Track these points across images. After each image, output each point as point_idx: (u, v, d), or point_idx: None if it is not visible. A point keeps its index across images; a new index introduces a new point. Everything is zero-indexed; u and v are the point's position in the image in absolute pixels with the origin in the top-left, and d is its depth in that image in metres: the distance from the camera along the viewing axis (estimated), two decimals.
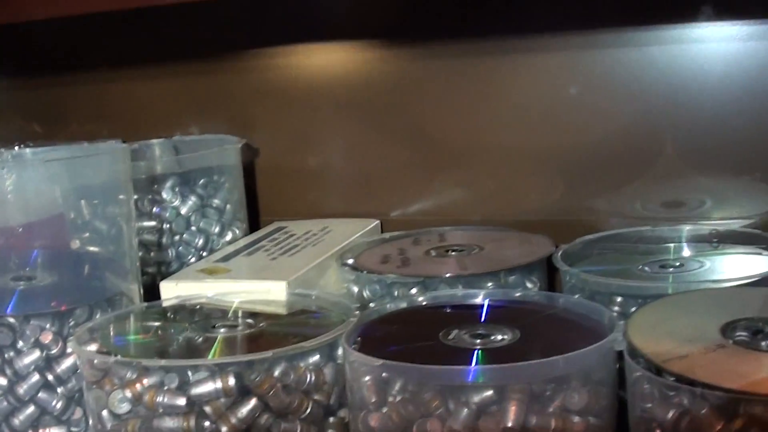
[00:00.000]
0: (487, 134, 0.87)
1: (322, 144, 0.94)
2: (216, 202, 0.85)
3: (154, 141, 0.92)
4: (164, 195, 0.82)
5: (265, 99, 0.95)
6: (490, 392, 0.53)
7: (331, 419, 0.60)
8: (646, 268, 0.72)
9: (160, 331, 0.66)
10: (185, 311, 0.69)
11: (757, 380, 0.49)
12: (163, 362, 0.58)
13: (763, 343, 0.53)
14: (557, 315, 0.63)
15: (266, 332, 0.63)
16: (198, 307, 0.69)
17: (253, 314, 0.67)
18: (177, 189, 0.82)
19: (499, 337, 0.59)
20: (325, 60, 0.92)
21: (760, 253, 0.72)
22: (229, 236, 0.85)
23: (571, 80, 0.83)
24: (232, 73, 0.95)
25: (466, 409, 0.53)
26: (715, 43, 0.79)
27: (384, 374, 0.55)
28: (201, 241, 0.83)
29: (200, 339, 0.63)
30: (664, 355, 0.52)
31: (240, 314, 0.67)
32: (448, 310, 0.66)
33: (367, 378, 0.56)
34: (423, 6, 0.87)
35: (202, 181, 0.84)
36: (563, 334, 0.59)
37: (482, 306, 0.65)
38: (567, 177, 0.85)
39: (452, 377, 0.53)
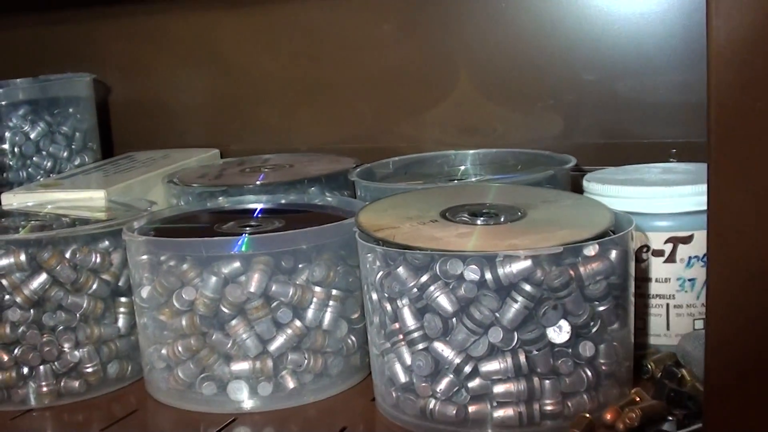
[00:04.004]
0: (299, 70, 0.95)
1: (172, 84, 1.02)
2: (65, 129, 0.92)
3: (18, 80, 0.99)
4: (15, 121, 0.89)
5: (123, 43, 1.03)
6: (237, 263, 0.62)
7: (123, 299, 0.69)
8: (439, 183, 0.81)
9: None
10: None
11: (450, 241, 0.57)
12: None
13: (479, 220, 0.61)
14: (323, 212, 0.72)
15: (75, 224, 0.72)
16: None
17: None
18: (29, 117, 0.90)
19: (267, 226, 0.67)
20: (167, 13, 1.00)
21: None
22: (77, 161, 0.93)
23: (382, 18, 0.90)
24: (94, 20, 1.03)
25: (214, 278, 0.61)
26: None
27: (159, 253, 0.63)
28: (49, 164, 0.91)
29: (17, 228, 0.72)
30: (378, 227, 0.60)
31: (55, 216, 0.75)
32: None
33: (143, 257, 0.64)
34: None
35: (56, 111, 0.92)
36: (321, 223, 0.66)
37: (256, 210, 0.73)
38: (375, 108, 0.93)
39: (198, 248, 0.62)
